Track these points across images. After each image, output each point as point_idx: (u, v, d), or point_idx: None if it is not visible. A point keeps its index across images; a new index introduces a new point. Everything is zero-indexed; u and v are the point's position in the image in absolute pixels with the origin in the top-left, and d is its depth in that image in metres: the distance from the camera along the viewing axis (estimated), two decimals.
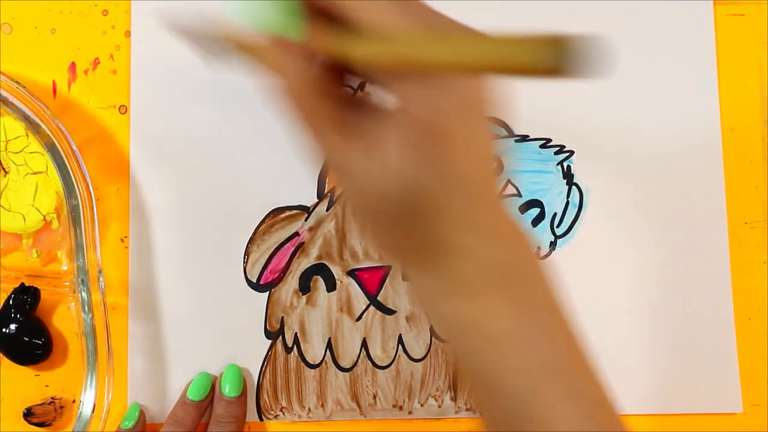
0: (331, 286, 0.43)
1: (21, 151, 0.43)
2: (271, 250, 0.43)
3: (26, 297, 0.41)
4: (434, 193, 0.27)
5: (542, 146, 0.44)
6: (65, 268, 0.43)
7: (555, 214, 0.44)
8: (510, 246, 0.29)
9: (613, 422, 0.30)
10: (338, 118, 0.28)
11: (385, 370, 0.43)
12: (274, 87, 0.28)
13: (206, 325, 0.43)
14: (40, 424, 0.42)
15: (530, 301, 0.29)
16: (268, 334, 0.43)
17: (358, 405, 0.43)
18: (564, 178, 0.44)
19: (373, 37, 0.25)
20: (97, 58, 0.44)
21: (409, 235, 0.28)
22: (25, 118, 0.41)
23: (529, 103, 0.42)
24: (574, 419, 0.28)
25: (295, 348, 0.43)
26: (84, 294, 0.40)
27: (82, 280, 0.40)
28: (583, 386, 0.29)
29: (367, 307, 0.43)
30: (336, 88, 0.28)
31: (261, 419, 0.43)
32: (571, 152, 0.44)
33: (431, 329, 0.43)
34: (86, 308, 0.40)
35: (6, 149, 0.43)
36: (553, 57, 0.18)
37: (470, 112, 0.27)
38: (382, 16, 0.26)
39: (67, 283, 0.43)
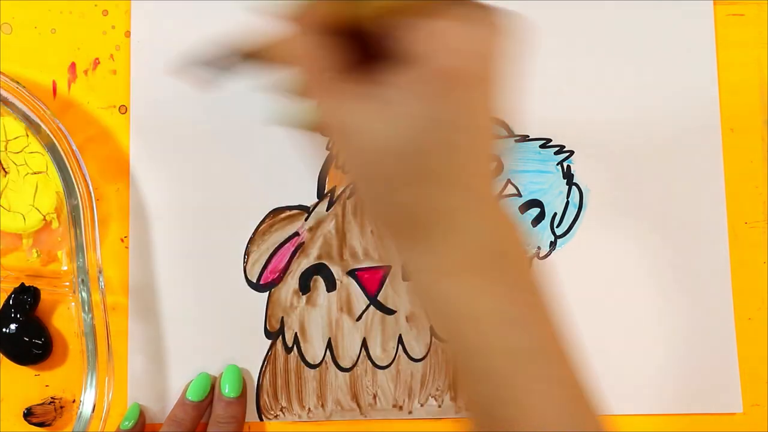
0: (331, 286, 0.43)
1: (21, 151, 0.43)
2: (271, 250, 0.43)
3: (26, 297, 0.41)
4: (440, 147, 0.27)
5: (542, 146, 0.44)
6: (65, 268, 0.43)
7: (555, 214, 0.44)
8: (499, 227, 0.29)
9: (589, 409, 0.30)
10: (347, 77, 0.27)
11: (385, 370, 0.43)
12: (284, 59, 0.28)
13: (206, 325, 0.43)
14: (40, 424, 0.42)
15: (515, 283, 0.29)
16: (268, 334, 0.43)
17: (358, 405, 0.43)
18: (564, 178, 0.44)
19: None
20: (97, 58, 0.44)
21: (407, 200, 0.28)
22: (25, 118, 0.41)
23: (529, 103, 0.42)
24: (550, 402, 0.29)
25: (295, 348, 0.43)
26: (84, 294, 0.40)
27: (82, 280, 0.40)
28: (562, 371, 0.30)
29: (367, 307, 0.43)
30: (344, 52, 0.28)
31: (261, 419, 0.43)
32: (571, 152, 0.44)
33: (431, 329, 0.43)
34: (86, 308, 0.40)
35: (6, 149, 0.43)
36: None
37: (488, 64, 0.26)
38: None
39: (67, 283, 0.43)
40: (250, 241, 0.43)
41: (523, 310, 0.29)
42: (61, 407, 0.43)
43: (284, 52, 0.29)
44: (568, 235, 0.44)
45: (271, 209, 0.44)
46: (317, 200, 0.44)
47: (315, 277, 0.43)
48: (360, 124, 0.27)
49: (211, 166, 0.44)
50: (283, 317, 0.43)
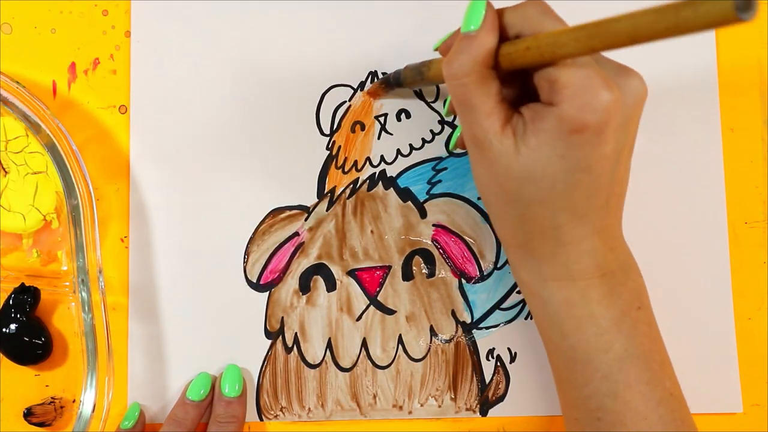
0: (331, 286, 0.43)
1: (21, 151, 0.43)
2: (271, 250, 0.43)
3: (26, 297, 0.41)
4: (563, 181, 0.31)
5: None
6: (65, 268, 0.43)
7: None
8: (615, 249, 0.35)
9: (682, 411, 0.35)
10: (498, 106, 0.32)
11: (385, 370, 0.43)
12: (449, 64, 0.32)
13: (206, 325, 0.43)
14: (40, 424, 0.42)
15: (623, 295, 0.34)
16: (268, 334, 0.43)
17: (358, 405, 0.43)
18: None
19: (539, 38, 0.30)
20: (97, 58, 0.44)
21: (529, 216, 0.33)
22: (25, 118, 0.41)
23: None
24: (650, 402, 0.33)
25: (295, 348, 0.43)
26: (84, 294, 0.40)
27: (82, 280, 0.40)
28: (660, 376, 0.34)
29: (367, 307, 0.43)
30: (492, 79, 0.32)
31: (261, 419, 0.43)
32: None
33: (431, 329, 0.43)
34: (86, 308, 0.40)
35: (6, 149, 0.43)
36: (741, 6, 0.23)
37: (615, 117, 0.31)
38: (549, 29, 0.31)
39: (67, 283, 0.43)
40: (250, 241, 0.43)
41: (630, 319, 0.34)
42: (61, 407, 0.43)
43: (455, 61, 0.32)
44: None
45: (271, 209, 0.44)
46: (317, 200, 0.44)
47: (315, 277, 0.43)
48: (501, 148, 0.32)
49: (211, 166, 0.44)
50: (283, 317, 0.43)
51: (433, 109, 0.44)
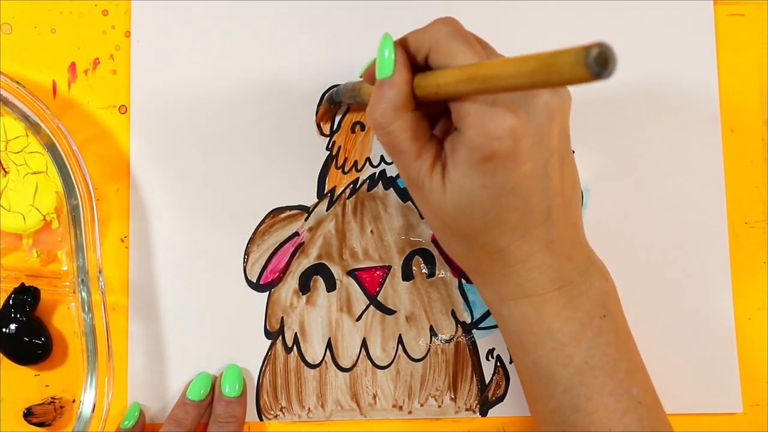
0: (331, 286, 0.43)
1: (21, 151, 0.43)
2: (271, 250, 0.43)
3: (26, 297, 0.41)
4: (492, 208, 0.32)
5: None
6: (65, 268, 0.43)
7: None
8: (574, 259, 0.34)
9: (652, 418, 0.34)
10: (426, 145, 0.33)
11: (385, 370, 0.43)
12: (372, 115, 0.33)
13: (206, 325, 0.43)
14: (40, 424, 0.42)
15: (584, 305, 0.34)
16: (268, 334, 0.43)
17: (358, 405, 0.43)
18: None
19: (448, 70, 0.31)
20: (97, 58, 0.44)
21: (473, 244, 0.34)
22: (25, 118, 0.41)
23: None
24: (614, 413, 0.33)
25: (295, 348, 0.43)
26: (84, 294, 0.40)
27: (82, 280, 0.40)
28: (627, 384, 0.34)
29: (367, 307, 0.43)
30: (416, 120, 0.33)
31: (261, 419, 0.43)
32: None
33: (431, 329, 0.43)
34: (86, 308, 0.40)
35: (6, 149, 0.43)
36: (592, 63, 0.23)
37: (525, 137, 0.31)
38: (456, 56, 0.31)
39: (67, 283, 0.43)
40: (250, 241, 0.43)
41: (591, 330, 0.34)
42: (61, 407, 0.43)
43: (375, 96, 0.33)
44: None
45: (271, 209, 0.44)
46: (317, 200, 0.44)
47: (315, 277, 0.43)
48: (424, 182, 0.33)
49: (210, 166, 0.44)
50: (282, 317, 0.43)
51: None
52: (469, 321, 0.43)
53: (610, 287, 0.35)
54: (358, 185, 0.44)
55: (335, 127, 0.44)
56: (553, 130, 0.32)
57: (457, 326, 0.43)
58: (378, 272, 0.43)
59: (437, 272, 0.43)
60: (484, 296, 0.36)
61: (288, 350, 0.43)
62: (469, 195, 0.32)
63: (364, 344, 0.43)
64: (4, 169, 0.43)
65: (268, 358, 0.43)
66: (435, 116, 0.35)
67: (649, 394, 0.35)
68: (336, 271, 0.43)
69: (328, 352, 0.43)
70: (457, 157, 0.32)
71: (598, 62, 0.23)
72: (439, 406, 0.43)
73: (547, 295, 0.34)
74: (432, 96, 0.32)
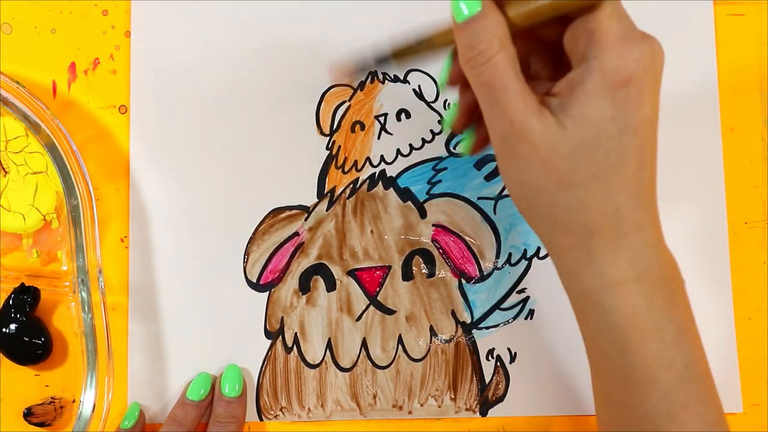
0: (331, 286, 0.43)
1: (21, 151, 0.43)
2: (271, 250, 0.43)
3: (26, 297, 0.41)
4: (616, 148, 0.29)
5: None
6: (65, 268, 0.43)
7: None
8: (667, 251, 0.32)
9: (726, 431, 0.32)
10: (520, 78, 0.30)
11: (385, 370, 0.43)
12: (472, 48, 0.30)
13: (206, 325, 0.43)
14: (40, 424, 0.42)
15: (681, 304, 0.32)
16: (268, 334, 0.43)
17: (358, 405, 0.43)
18: None
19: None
20: (97, 58, 0.44)
21: (587, 200, 0.30)
22: (25, 118, 0.41)
23: None
24: (705, 424, 0.31)
25: (295, 348, 0.43)
26: (84, 294, 0.40)
27: (82, 280, 0.40)
28: (715, 395, 0.32)
29: (367, 307, 0.43)
30: (516, 57, 0.30)
31: (261, 419, 0.43)
32: None
33: (431, 329, 0.43)
34: (86, 308, 0.40)
35: (6, 149, 0.43)
36: None
37: (652, 74, 0.30)
38: None
39: (67, 283, 0.43)
40: (250, 241, 0.43)
41: (687, 334, 0.31)
42: (61, 407, 0.43)
43: (467, 42, 0.30)
44: None
45: (271, 209, 0.44)
46: (317, 200, 0.44)
47: (315, 277, 0.43)
48: (536, 129, 0.29)
49: (210, 166, 0.44)
50: (283, 317, 0.43)
51: (433, 109, 0.44)
52: (469, 321, 0.43)
53: (687, 293, 0.33)
54: (358, 185, 0.44)
55: (335, 126, 0.44)
56: (659, 85, 0.31)
57: (457, 326, 0.43)
58: (378, 272, 0.43)
59: (437, 272, 0.43)
60: (583, 284, 0.31)
61: (288, 350, 0.43)
62: (596, 127, 0.29)
63: (364, 344, 0.43)
64: (4, 169, 0.43)
65: (268, 358, 0.43)
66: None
67: (722, 406, 0.33)
68: (336, 271, 0.43)
69: (328, 352, 0.43)
70: (585, 87, 0.29)
71: None
72: (439, 406, 0.43)
73: (656, 283, 0.31)
74: (551, 9, 0.30)
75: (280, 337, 0.43)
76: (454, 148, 0.44)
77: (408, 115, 0.44)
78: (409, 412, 0.43)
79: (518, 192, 0.31)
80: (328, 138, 0.44)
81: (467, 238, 0.44)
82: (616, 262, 0.30)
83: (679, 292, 0.31)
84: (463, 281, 0.43)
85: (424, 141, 0.44)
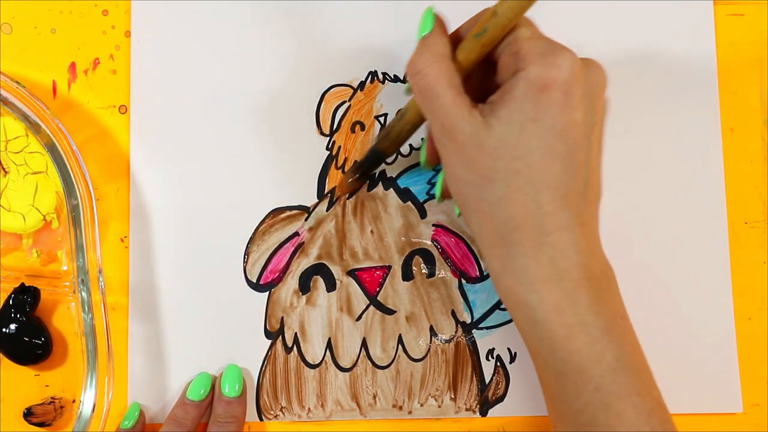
0: (331, 286, 0.43)
1: (21, 151, 0.43)
2: (271, 250, 0.44)
3: (26, 297, 0.42)
4: (539, 146, 0.31)
5: None
6: (65, 268, 0.43)
7: None
8: (596, 254, 0.34)
9: (669, 421, 0.34)
10: (462, 96, 0.33)
11: (385, 370, 0.43)
12: (410, 62, 0.34)
13: (206, 325, 0.43)
14: (40, 424, 0.42)
15: (609, 303, 0.33)
16: (268, 334, 0.43)
17: (358, 405, 0.43)
18: None
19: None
20: (97, 58, 0.44)
21: (510, 196, 0.32)
22: (25, 118, 0.41)
23: None
24: (641, 414, 0.32)
25: (295, 348, 0.43)
26: (84, 294, 0.40)
27: (82, 280, 0.40)
28: (649, 385, 0.33)
29: (367, 307, 0.43)
30: (454, 71, 0.34)
31: (261, 419, 0.43)
32: None
33: (431, 329, 0.43)
34: (86, 308, 0.40)
35: (6, 149, 0.43)
36: None
37: (581, 81, 0.32)
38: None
39: (67, 283, 0.43)
40: (250, 241, 0.43)
41: (618, 329, 0.33)
42: (61, 407, 0.43)
43: (420, 56, 0.34)
44: None
45: (271, 209, 0.44)
46: (317, 200, 0.44)
47: (315, 277, 0.43)
48: (467, 134, 0.32)
49: (211, 166, 0.44)
50: (283, 317, 0.43)
51: None
52: (469, 321, 0.43)
53: (620, 294, 0.35)
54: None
55: (335, 126, 0.44)
56: (601, 100, 0.33)
57: (457, 326, 0.43)
58: (378, 272, 0.43)
59: (437, 272, 0.43)
60: (506, 281, 0.34)
61: (288, 350, 0.43)
62: (518, 126, 0.31)
63: (364, 344, 0.43)
64: (4, 169, 0.43)
65: (268, 358, 0.43)
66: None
67: (662, 397, 0.34)
68: (336, 271, 0.43)
69: (328, 352, 0.43)
70: (510, 94, 0.32)
71: None
72: (439, 406, 0.43)
73: (579, 282, 0.32)
74: (480, 47, 0.34)
75: (280, 337, 0.43)
76: None
77: None
78: (409, 412, 0.43)
79: (453, 187, 0.34)
80: (328, 138, 0.44)
81: (467, 239, 0.44)
82: (538, 259, 0.32)
83: (607, 291, 0.33)
84: (463, 281, 0.43)
85: (424, 141, 0.44)
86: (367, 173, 0.43)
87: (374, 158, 0.41)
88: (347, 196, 0.44)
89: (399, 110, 0.40)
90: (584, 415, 0.33)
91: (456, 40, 0.35)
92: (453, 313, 0.43)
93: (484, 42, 0.33)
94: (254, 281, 0.43)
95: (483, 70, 0.35)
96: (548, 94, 0.31)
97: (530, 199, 0.32)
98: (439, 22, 0.35)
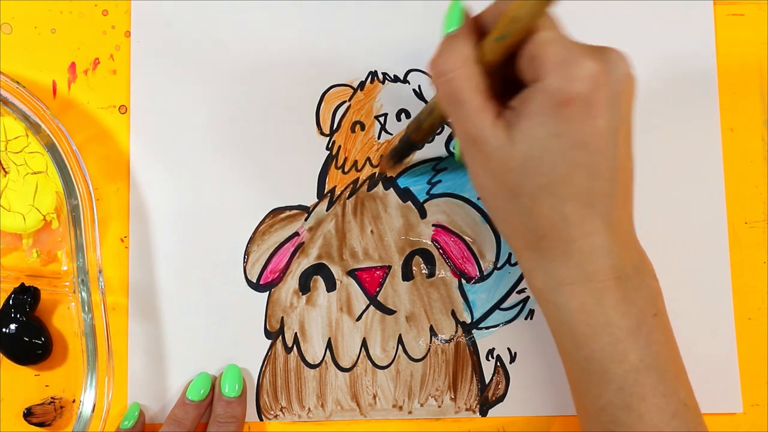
0: (331, 286, 0.43)
1: (21, 151, 0.43)
2: (271, 250, 0.44)
3: (26, 297, 0.42)
4: (562, 162, 0.31)
5: None
6: (65, 268, 0.43)
7: None
8: (629, 248, 0.34)
9: (695, 422, 0.34)
10: (488, 101, 0.32)
11: (385, 370, 0.43)
12: (434, 62, 0.33)
13: (206, 325, 0.43)
14: (40, 424, 0.42)
15: (638, 301, 0.33)
16: (268, 334, 0.43)
17: (358, 405, 0.43)
18: None
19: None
20: (97, 58, 0.44)
21: (536, 209, 0.32)
22: (25, 118, 0.41)
23: None
24: (665, 415, 0.33)
25: (295, 348, 0.43)
26: (84, 294, 0.40)
27: (82, 280, 0.40)
28: (675, 386, 0.33)
29: (367, 307, 0.43)
30: (480, 74, 0.32)
31: (261, 419, 0.43)
32: None
33: (431, 329, 0.43)
34: (86, 308, 0.40)
35: (6, 149, 0.43)
36: None
37: (604, 88, 0.31)
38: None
39: (67, 283, 0.43)
40: (250, 241, 0.43)
41: (645, 328, 0.33)
42: (61, 407, 0.43)
43: (442, 60, 0.32)
44: None
45: (271, 209, 0.44)
46: (317, 200, 0.44)
47: (315, 277, 0.43)
48: (492, 139, 0.32)
49: (210, 166, 0.44)
50: (283, 317, 0.43)
51: None
52: (469, 321, 0.43)
53: (659, 287, 0.35)
54: (358, 185, 0.44)
55: (335, 126, 0.44)
56: (627, 97, 0.32)
57: (457, 326, 0.43)
58: (378, 272, 0.43)
59: (437, 272, 0.43)
60: (536, 282, 0.34)
61: (288, 350, 0.43)
62: (541, 143, 0.31)
63: (364, 344, 0.43)
64: (4, 169, 0.43)
65: (268, 358, 0.43)
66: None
67: (692, 398, 0.34)
68: (336, 271, 0.43)
69: (328, 352, 0.43)
70: (531, 107, 0.31)
71: None
72: (439, 406, 0.43)
73: (607, 283, 0.32)
74: (502, 50, 0.32)
75: (280, 337, 0.43)
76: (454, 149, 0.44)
77: (408, 115, 0.44)
78: (409, 412, 0.43)
79: (480, 193, 0.34)
80: (328, 138, 0.44)
81: (467, 238, 0.44)
82: (565, 263, 0.33)
83: (638, 290, 0.33)
84: (463, 281, 0.43)
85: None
86: (403, 159, 0.42)
87: (408, 147, 0.41)
88: (347, 195, 0.44)
89: (427, 103, 0.39)
90: (606, 414, 0.33)
91: (479, 29, 0.33)
92: (453, 313, 0.43)
93: (505, 46, 0.32)
94: (254, 281, 0.43)
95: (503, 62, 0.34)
96: (569, 109, 0.30)
97: (556, 212, 0.32)
98: (467, 19, 0.33)
